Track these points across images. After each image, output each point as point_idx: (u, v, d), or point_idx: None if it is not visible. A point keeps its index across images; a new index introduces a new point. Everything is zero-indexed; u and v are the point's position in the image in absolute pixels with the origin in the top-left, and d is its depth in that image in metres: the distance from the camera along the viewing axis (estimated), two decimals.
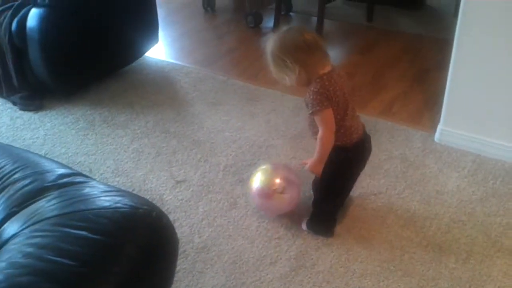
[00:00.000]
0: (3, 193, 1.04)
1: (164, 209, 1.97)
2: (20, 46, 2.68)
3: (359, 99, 2.78)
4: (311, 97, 1.60)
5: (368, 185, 2.11)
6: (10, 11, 2.68)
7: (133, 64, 3.18)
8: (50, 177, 1.07)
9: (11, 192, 1.03)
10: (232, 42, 3.68)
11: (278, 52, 1.62)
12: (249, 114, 2.66)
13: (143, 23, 3.08)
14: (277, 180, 1.83)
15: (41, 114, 2.73)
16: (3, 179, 1.07)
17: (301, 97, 2.71)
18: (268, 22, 3.86)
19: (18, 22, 2.63)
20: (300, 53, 1.59)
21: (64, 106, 2.78)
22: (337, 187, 1.80)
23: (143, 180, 2.19)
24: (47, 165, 1.14)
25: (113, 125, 2.61)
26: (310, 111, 1.62)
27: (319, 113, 1.60)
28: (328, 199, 1.82)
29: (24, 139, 2.52)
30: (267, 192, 1.83)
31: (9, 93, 2.84)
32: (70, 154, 2.38)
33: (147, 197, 2.08)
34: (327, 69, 1.63)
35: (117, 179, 2.21)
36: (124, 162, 2.31)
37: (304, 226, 1.88)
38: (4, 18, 2.69)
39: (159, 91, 2.92)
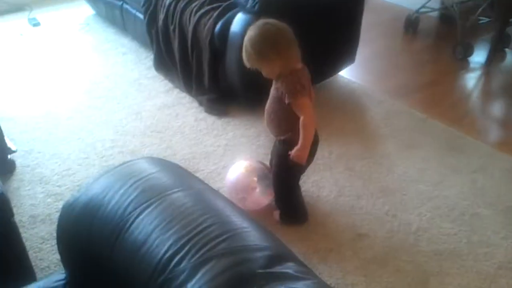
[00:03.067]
0: (206, 267, 0.85)
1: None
2: (219, 49, 2.62)
3: None
4: (290, 86, 1.70)
5: None
6: (217, 12, 2.63)
7: (325, 81, 2.96)
8: (259, 260, 0.86)
9: (217, 269, 0.84)
10: (434, 73, 3.27)
11: (262, 45, 1.69)
12: (450, 167, 2.27)
13: (344, 41, 2.85)
14: (254, 178, 1.98)
15: (224, 120, 2.65)
16: (208, 246, 0.88)
17: None
18: (479, 55, 3.36)
19: (222, 24, 2.57)
20: (282, 48, 1.70)
21: (248, 117, 2.66)
22: (292, 177, 1.93)
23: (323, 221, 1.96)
24: (254, 236, 0.93)
25: None
26: (291, 99, 1.70)
27: (300, 100, 1.70)
28: (288, 189, 1.95)
29: (205, 145, 2.45)
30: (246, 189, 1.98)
31: (198, 92, 2.82)
32: None
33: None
34: (300, 65, 1.75)
35: None
36: (303, 194, 2.10)
37: (277, 217, 1.97)
38: (209, 18, 2.64)
39: (347, 118, 2.67)
